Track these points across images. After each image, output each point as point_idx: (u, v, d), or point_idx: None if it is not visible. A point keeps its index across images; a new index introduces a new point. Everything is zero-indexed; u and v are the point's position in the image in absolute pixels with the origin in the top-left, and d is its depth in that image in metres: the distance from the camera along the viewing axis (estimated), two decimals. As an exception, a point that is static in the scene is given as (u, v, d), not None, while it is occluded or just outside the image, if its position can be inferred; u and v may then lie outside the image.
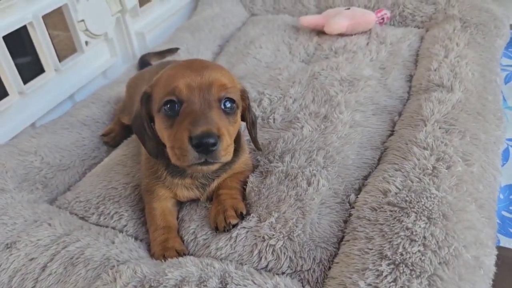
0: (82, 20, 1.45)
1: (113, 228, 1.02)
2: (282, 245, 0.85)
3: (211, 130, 0.78)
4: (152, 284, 0.77)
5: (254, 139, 1.00)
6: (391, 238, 0.78)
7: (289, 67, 1.45)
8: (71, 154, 1.25)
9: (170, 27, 1.89)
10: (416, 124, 1.08)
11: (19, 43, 1.38)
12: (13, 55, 1.27)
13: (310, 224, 0.88)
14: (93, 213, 1.06)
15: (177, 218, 1.01)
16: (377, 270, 0.74)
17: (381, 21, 1.65)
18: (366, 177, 1.01)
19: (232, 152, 0.85)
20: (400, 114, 1.20)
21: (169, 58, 1.61)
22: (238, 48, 1.66)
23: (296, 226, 0.87)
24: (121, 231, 1.01)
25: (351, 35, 1.60)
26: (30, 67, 1.42)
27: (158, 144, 0.93)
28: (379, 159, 1.06)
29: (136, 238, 1.00)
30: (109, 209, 1.05)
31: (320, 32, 1.66)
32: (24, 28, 1.31)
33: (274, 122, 1.21)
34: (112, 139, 1.33)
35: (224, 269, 0.81)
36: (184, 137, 0.79)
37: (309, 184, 0.95)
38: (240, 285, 0.76)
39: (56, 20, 1.44)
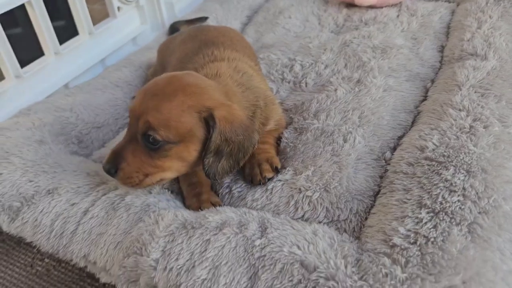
0: (116, -15, 1.47)
1: (149, 181, 1.05)
2: (318, 196, 0.87)
3: (108, 161, 0.86)
4: (194, 226, 0.79)
5: (206, 173, 0.87)
6: (430, 189, 0.79)
7: (319, 36, 1.45)
8: (105, 112, 1.27)
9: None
10: (450, 89, 1.08)
11: (56, 6, 1.40)
12: (51, 17, 1.29)
13: (346, 178, 0.89)
14: (128, 167, 1.08)
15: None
16: (417, 218, 0.75)
17: (412, -6, 1.63)
18: (401, 137, 1.01)
19: (143, 184, 0.86)
20: (432, 82, 1.20)
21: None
22: (267, 18, 1.67)
23: (333, 179, 0.89)
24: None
25: (381, 7, 1.59)
26: (65, 30, 1.45)
27: None
28: (412, 122, 1.07)
29: (172, 192, 1.02)
30: (144, 163, 1.07)
31: (349, 4, 1.66)
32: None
33: (306, 86, 1.22)
34: (144, 101, 1.35)
35: (262, 216, 0.83)
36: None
37: (345, 140, 0.96)
38: (279, 229, 0.78)
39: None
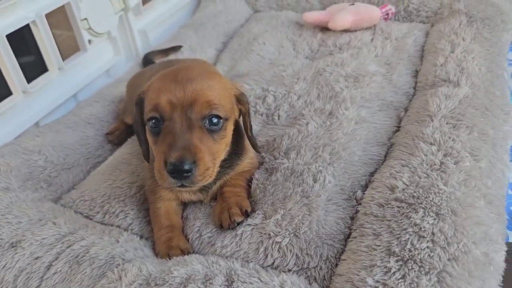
0: (85, 19, 1.45)
1: (118, 226, 1.02)
2: (288, 242, 0.84)
3: (184, 156, 0.75)
4: (158, 282, 0.76)
5: (253, 144, 0.96)
6: (399, 234, 0.77)
7: (293, 64, 1.44)
8: (76, 152, 1.25)
9: (173, 25, 1.89)
10: (422, 119, 1.07)
11: (22, 42, 1.38)
12: (16, 54, 1.26)
13: (316, 221, 0.87)
14: (98, 212, 1.05)
15: (182, 216, 1.01)
16: (385, 267, 0.73)
17: (386, 16, 1.63)
18: (372, 174, 0.99)
19: (214, 174, 0.81)
20: (406, 110, 1.19)
21: (172, 56, 1.60)
22: (242, 44, 1.65)
23: (302, 223, 0.86)
24: (126, 229, 1.01)
25: (356, 31, 1.58)
26: (33, 66, 1.42)
27: (150, 149, 0.91)
28: (385, 155, 1.05)
29: (141, 237, 0.99)
30: (114, 208, 1.04)
31: (324, 28, 1.65)
32: (26, 27, 1.30)
33: (278, 118, 1.20)
34: (117, 137, 1.32)
35: (230, 267, 0.80)
36: (161, 161, 0.77)
37: (315, 180, 0.94)
38: (246, 282, 0.75)
39: (57, 19, 1.44)
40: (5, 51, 1.22)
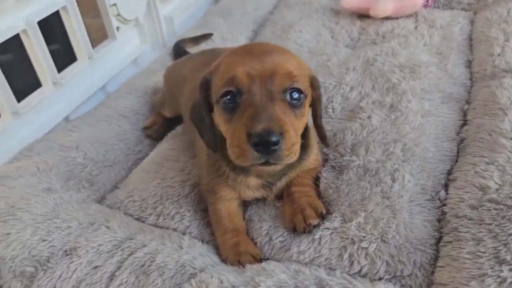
0: (114, 4, 1.35)
1: (174, 230, 0.95)
2: (376, 248, 0.78)
3: (272, 127, 0.67)
4: (247, 296, 0.69)
5: (323, 135, 0.90)
6: (505, 240, 0.71)
7: (336, 53, 1.37)
8: (114, 148, 1.16)
9: (198, 10, 1.80)
10: (494, 113, 1.01)
11: (49, 30, 1.28)
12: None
13: (403, 225, 0.81)
14: (150, 214, 0.97)
15: (244, 218, 0.94)
16: (499, 276, 0.67)
17: (426, 3, 1.56)
18: (449, 171, 0.93)
19: (298, 151, 0.73)
20: (468, 102, 1.13)
21: (203, 45, 1.51)
22: (276, 33, 1.57)
23: (389, 227, 0.80)
24: (183, 233, 0.93)
25: (397, 18, 1.51)
26: (60, 55, 1.32)
27: (217, 137, 0.82)
28: (457, 152, 0.99)
29: (202, 241, 0.92)
30: (168, 209, 0.97)
31: (361, 15, 1.57)
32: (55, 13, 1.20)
33: (333, 111, 1.13)
34: (155, 132, 1.24)
35: (318, 277, 0.74)
36: (242, 134, 0.69)
37: (393, 180, 0.88)
38: (343, 294, 0.69)
39: (83, 7, 1.34)
40: (36, 39, 1.13)
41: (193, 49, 1.48)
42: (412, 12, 1.51)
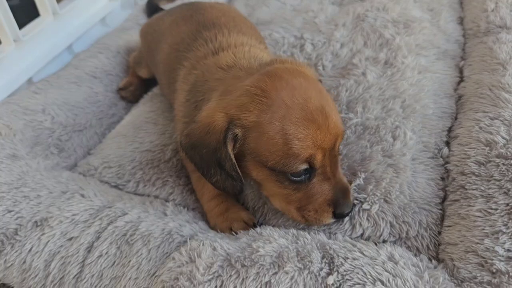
0: (80, -46, 1.22)
1: (156, 197, 0.87)
2: (378, 209, 0.72)
3: (351, 203, 0.71)
4: (245, 263, 0.62)
5: None
6: (518, 195, 0.67)
7: (324, 10, 1.29)
8: (85, 112, 1.06)
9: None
10: (493, 68, 0.95)
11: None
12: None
13: (407, 184, 0.75)
14: (129, 180, 0.89)
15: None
16: (514, 234, 0.63)
17: (413, -40, 1.49)
18: (449, 128, 0.88)
19: None
20: (463, 59, 1.08)
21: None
22: (257, -10, 1.47)
23: (392, 187, 0.74)
24: (166, 200, 0.86)
25: (384, -26, 1.43)
26: (21, 11, 1.19)
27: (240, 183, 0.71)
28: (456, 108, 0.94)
29: (188, 208, 0.84)
30: (148, 175, 0.89)
31: (347, -28, 1.49)
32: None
33: (323, 69, 1.06)
34: (131, 93, 1.14)
35: (321, 241, 0.68)
36: (328, 211, 0.70)
37: (394, 137, 0.82)
38: (349, 258, 0.63)
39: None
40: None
41: (167, 6, 1.37)
42: (400, -32, 1.44)
